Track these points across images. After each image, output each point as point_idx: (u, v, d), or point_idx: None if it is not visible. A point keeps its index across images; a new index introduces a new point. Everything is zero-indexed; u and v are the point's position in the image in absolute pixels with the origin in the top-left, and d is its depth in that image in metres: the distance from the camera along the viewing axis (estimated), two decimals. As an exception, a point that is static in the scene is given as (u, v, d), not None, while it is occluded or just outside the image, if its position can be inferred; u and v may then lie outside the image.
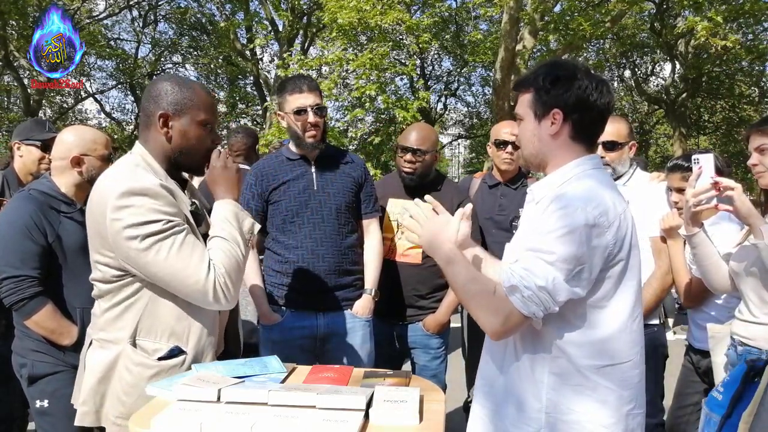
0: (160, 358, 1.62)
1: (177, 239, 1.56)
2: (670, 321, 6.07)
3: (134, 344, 1.62)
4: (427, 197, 1.60)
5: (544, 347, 1.42)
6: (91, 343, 1.71)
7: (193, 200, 1.79)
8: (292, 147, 2.56)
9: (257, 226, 1.77)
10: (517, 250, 1.44)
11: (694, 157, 1.97)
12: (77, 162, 2.19)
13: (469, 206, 1.62)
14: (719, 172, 1.97)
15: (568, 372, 1.41)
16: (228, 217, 1.67)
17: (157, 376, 1.60)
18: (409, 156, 2.69)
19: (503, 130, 2.92)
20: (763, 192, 2.07)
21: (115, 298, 1.63)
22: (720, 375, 2.16)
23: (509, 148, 2.85)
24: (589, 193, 1.38)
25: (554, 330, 1.41)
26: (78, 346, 2.08)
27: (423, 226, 1.52)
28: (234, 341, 2.04)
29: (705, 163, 1.91)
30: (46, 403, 2.11)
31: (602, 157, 2.52)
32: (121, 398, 1.61)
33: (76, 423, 1.67)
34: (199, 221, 1.74)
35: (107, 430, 1.64)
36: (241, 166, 3.52)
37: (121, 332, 1.63)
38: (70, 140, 2.21)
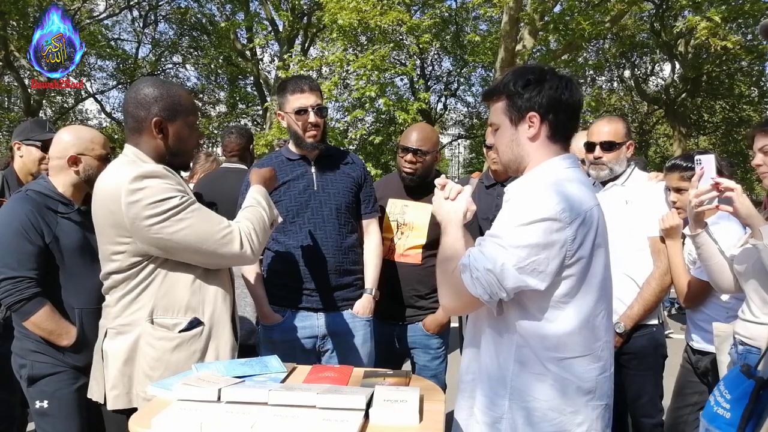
0: (180, 331, 1.72)
1: (194, 208, 1.68)
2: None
3: (152, 323, 1.71)
4: (438, 180, 1.65)
5: (510, 337, 1.47)
6: (106, 334, 1.77)
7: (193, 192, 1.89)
8: (292, 147, 2.56)
9: (280, 219, 1.94)
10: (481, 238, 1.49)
11: (696, 157, 1.98)
12: (74, 161, 2.19)
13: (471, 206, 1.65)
14: (719, 172, 1.97)
15: (531, 361, 1.45)
16: (259, 198, 1.86)
17: (179, 347, 1.70)
18: (409, 156, 2.69)
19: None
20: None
21: (130, 284, 1.72)
22: (725, 374, 2.16)
23: None
24: (555, 188, 1.41)
25: (519, 321, 1.46)
26: (77, 346, 2.09)
27: (436, 202, 1.61)
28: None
29: (706, 164, 1.93)
30: (45, 404, 2.11)
31: (599, 157, 2.53)
32: (148, 374, 1.69)
33: (109, 407, 1.75)
34: None
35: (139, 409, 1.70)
36: (237, 166, 3.54)
37: (138, 313, 1.72)
38: (67, 140, 2.21)
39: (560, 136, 1.52)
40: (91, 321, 2.15)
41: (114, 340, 1.74)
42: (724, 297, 2.33)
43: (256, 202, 1.85)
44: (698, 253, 2.11)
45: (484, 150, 3.07)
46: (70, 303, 2.13)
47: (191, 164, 3.64)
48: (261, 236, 1.78)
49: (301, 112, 2.43)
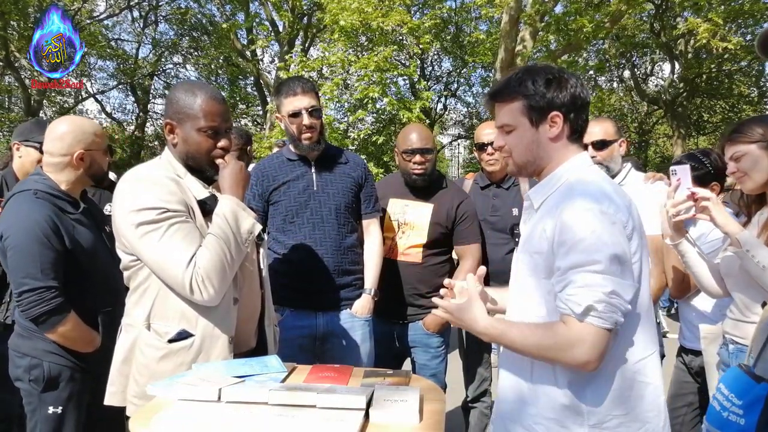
0: (169, 341, 1.69)
1: (168, 231, 1.63)
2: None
3: (149, 327, 1.71)
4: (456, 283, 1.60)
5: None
6: (121, 329, 1.79)
7: (213, 192, 1.83)
8: (292, 147, 2.57)
9: (258, 227, 1.80)
10: (554, 274, 1.37)
11: (671, 168, 2.03)
12: (81, 158, 2.13)
13: (482, 269, 1.66)
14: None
15: (604, 380, 1.37)
16: (226, 213, 1.72)
17: (165, 357, 1.68)
18: (418, 157, 2.70)
19: (484, 131, 2.92)
20: (743, 198, 2.07)
21: (134, 283, 1.74)
22: (713, 375, 2.16)
23: (489, 149, 2.86)
24: (597, 191, 1.36)
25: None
26: (97, 350, 2.07)
27: (454, 317, 1.51)
28: (262, 339, 1.99)
29: (682, 174, 1.98)
30: (60, 410, 2.05)
31: (593, 157, 2.54)
32: (136, 378, 1.69)
33: (105, 402, 1.74)
34: (207, 212, 1.77)
35: (127, 409, 1.71)
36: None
37: (139, 316, 1.72)
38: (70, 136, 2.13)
39: (578, 135, 1.48)
40: (108, 323, 2.10)
41: (121, 337, 1.77)
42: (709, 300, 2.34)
43: (222, 234, 1.68)
44: (684, 261, 2.13)
45: (476, 153, 3.07)
46: (90, 306, 2.08)
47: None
48: (219, 278, 1.64)
49: (295, 114, 2.44)
